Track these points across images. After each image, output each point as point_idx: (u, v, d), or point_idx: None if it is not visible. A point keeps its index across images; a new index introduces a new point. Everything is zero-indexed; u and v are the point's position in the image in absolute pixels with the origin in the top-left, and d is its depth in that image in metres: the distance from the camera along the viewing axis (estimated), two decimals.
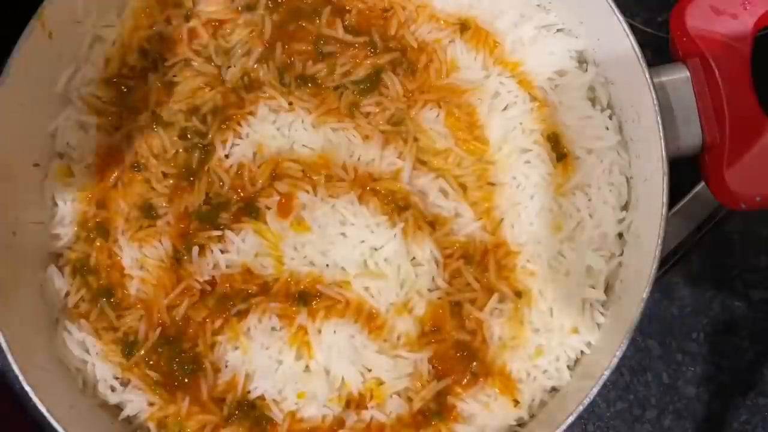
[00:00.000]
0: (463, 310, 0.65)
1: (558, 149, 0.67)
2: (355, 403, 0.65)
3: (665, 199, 0.61)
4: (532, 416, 0.66)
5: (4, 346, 0.62)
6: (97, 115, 0.69)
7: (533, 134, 0.67)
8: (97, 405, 0.67)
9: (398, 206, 0.66)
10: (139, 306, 0.67)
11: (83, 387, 0.67)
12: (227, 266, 0.66)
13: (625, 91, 0.67)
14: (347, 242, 0.66)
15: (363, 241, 0.66)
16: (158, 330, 0.66)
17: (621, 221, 0.67)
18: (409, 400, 0.65)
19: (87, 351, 0.67)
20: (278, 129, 0.68)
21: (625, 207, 0.68)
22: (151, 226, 0.67)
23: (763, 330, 0.84)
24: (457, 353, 0.65)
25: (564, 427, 0.60)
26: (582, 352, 0.66)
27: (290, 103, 0.68)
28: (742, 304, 0.85)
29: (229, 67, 0.69)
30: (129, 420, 0.67)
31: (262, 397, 0.65)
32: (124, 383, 0.67)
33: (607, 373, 0.60)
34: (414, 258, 0.66)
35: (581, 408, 0.60)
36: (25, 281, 0.67)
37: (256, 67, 0.69)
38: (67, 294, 0.68)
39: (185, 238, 0.67)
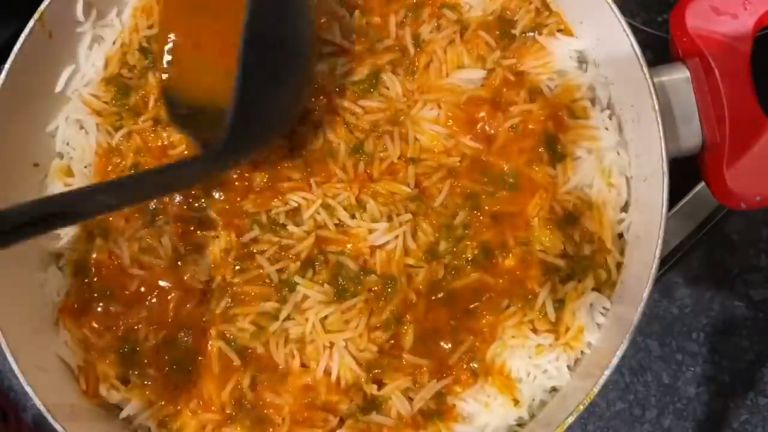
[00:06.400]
0: (462, 309, 0.65)
1: (558, 149, 0.67)
2: (355, 403, 0.64)
3: (665, 199, 0.61)
4: (532, 416, 0.66)
5: (4, 346, 0.62)
6: (97, 115, 0.69)
7: (533, 134, 0.67)
8: (98, 405, 0.67)
9: (397, 206, 0.66)
10: (139, 306, 0.67)
11: (83, 387, 0.67)
12: None
13: (625, 91, 0.67)
14: (346, 242, 0.66)
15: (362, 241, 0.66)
16: (158, 329, 0.66)
17: (621, 222, 0.67)
18: (409, 399, 0.65)
19: (87, 350, 0.67)
20: None
21: (624, 207, 0.68)
22: (152, 226, 0.67)
23: (764, 330, 0.84)
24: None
25: (564, 427, 0.60)
26: (582, 352, 0.66)
27: None
28: (742, 303, 0.84)
29: None
30: (129, 419, 0.67)
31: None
32: (125, 383, 0.67)
33: (607, 373, 0.59)
34: (413, 258, 0.66)
35: (581, 408, 0.60)
36: (26, 281, 0.67)
37: None
38: (68, 294, 0.68)
39: (186, 237, 0.67)
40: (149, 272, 0.67)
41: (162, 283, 0.67)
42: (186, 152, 0.68)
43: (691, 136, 0.65)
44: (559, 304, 0.65)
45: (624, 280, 0.66)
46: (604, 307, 0.66)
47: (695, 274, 0.85)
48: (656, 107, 0.62)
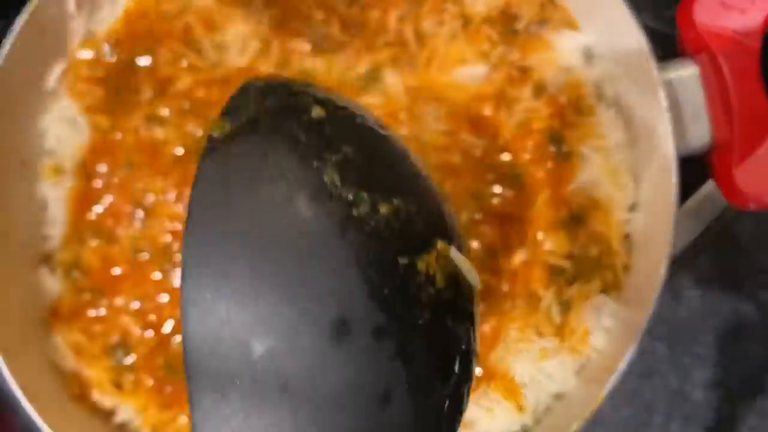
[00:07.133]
0: None
1: (563, 147, 0.66)
2: None
3: (674, 199, 0.60)
4: (537, 422, 0.65)
5: None
6: (89, 112, 0.68)
7: (538, 132, 0.66)
8: (91, 409, 0.66)
9: None
10: (133, 309, 0.66)
11: (76, 391, 0.66)
12: None
13: (632, 88, 0.66)
14: None
15: None
16: (153, 333, 0.65)
17: (628, 222, 0.66)
18: None
19: (80, 354, 0.66)
20: None
21: (632, 207, 0.67)
22: (146, 226, 0.66)
23: None
24: None
25: None
26: (588, 356, 0.65)
27: None
28: (751, 306, 0.84)
29: (226, 63, 0.68)
30: (123, 425, 0.66)
31: None
32: (118, 387, 0.66)
33: (614, 377, 0.59)
34: None
35: (588, 414, 0.59)
36: (16, 284, 0.66)
37: (252, 62, 0.67)
38: (60, 296, 0.67)
39: (181, 238, 0.66)
40: (144, 274, 0.66)
41: (156, 286, 0.66)
42: (182, 151, 0.67)
43: (700, 134, 0.64)
44: (565, 306, 0.64)
45: (631, 283, 0.65)
46: (610, 310, 0.65)
47: (703, 276, 0.85)
48: (664, 104, 0.61)
